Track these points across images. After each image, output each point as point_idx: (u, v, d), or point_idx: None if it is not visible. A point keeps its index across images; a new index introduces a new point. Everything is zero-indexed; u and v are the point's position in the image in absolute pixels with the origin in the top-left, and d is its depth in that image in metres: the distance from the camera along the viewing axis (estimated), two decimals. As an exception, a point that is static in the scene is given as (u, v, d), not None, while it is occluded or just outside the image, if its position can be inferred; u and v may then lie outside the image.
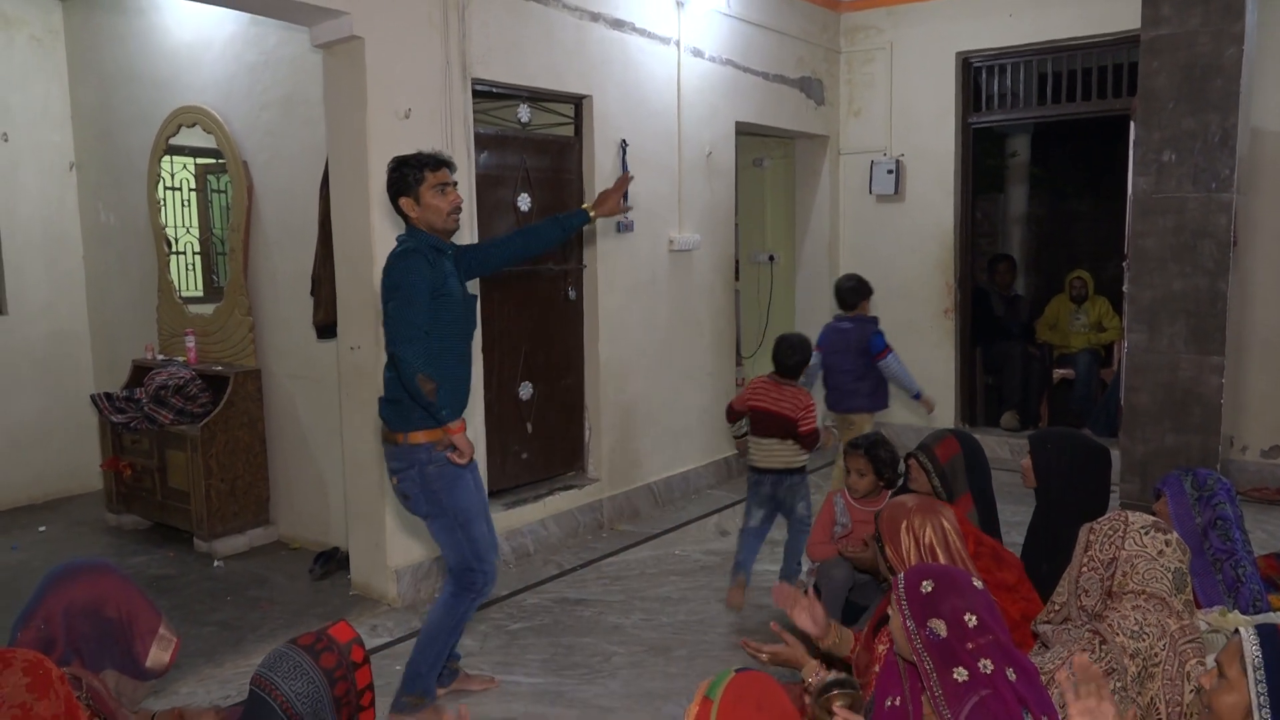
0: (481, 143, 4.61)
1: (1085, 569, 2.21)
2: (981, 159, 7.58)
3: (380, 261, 3.96)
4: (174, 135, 5.40)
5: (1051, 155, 9.00)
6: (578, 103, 5.08)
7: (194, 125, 5.25)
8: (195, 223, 5.67)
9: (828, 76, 6.98)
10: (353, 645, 1.95)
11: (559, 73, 4.83)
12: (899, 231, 6.91)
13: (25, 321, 5.99)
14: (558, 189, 5.03)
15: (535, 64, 4.71)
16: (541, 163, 4.97)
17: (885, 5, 6.84)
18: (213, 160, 5.50)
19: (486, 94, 4.72)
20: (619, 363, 5.38)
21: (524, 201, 4.86)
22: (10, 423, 5.91)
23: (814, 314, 6.93)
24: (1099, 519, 2.27)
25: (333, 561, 4.62)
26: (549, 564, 4.74)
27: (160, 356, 5.54)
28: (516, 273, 4.84)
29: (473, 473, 3.16)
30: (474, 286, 3.50)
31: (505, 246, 3.38)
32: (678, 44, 5.57)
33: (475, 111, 4.49)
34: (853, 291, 4.97)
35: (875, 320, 4.97)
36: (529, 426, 5.05)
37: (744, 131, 6.42)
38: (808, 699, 2.29)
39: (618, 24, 5.15)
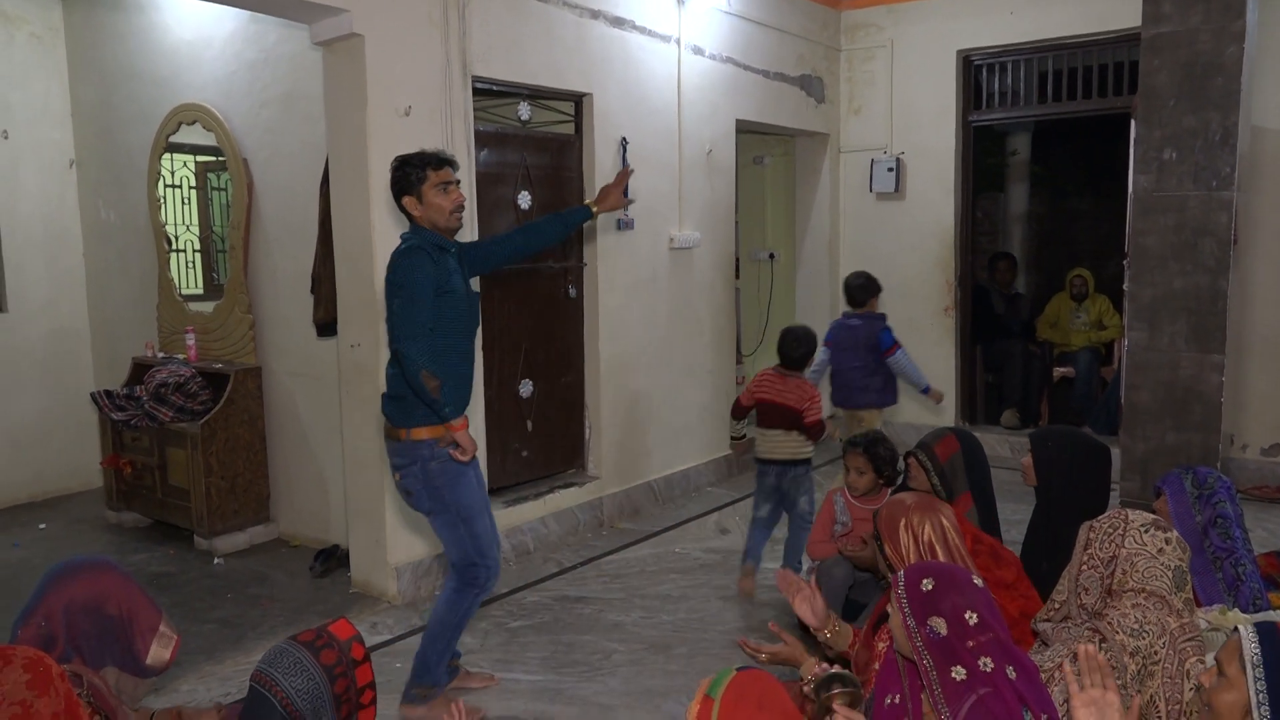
0: (482, 140, 4.61)
1: (1085, 567, 2.21)
2: (982, 157, 7.59)
3: (380, 259, 3.99)
4: (174, 133, 5.40)
5: (1052, 153, 9.00)
6: (578, 100, 5.08)
7: (194, 123, 5.25)
8: (195, 220, 5.67)
9: (828, 74, 6.97)
10: (353, 642, 1.96)
11: (559, 70, 4.83)
12: (899, 229, 6.91)
13: (25, 319, 5.99)
14: (558, 187, 5.03)
15: (535, 62, 4.70)
16: (542, 160, 4.97)
17: (886, 3, 6.83)
18: (213, 158, 5.49)
19: (487, 92, 4.72)
20: (619, 360, 5.38)
21: (524, 199, 4.86)
22: (10, 420, 5.91)
23: (814, 312, 6.93)
24: (1099, 517, 2.27)
25: (333, 559, 4.62)
26: (549, 562, 4.74)
27: (160, 354, 5.54)
28: (517, 270, 4.84)
29: (474, 469, 3.17)
30: (474, 285, 3.50)
31: (508, 243, 3.40)
32: (678, 42, 5.57)
33: (475, 109, 4.49)
34: (862, 289, 4.99)
35: (883, 317, 4.99)
36: (529, 424, 5.05)
37: (744, 129, 6.42)
38: (807, 691, 2.29)
39: (618, 22, 5.15)
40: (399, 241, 3.10)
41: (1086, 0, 6.05)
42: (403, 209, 3.11)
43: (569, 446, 5.31)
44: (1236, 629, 1.79)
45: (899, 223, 6.92)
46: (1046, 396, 7.03)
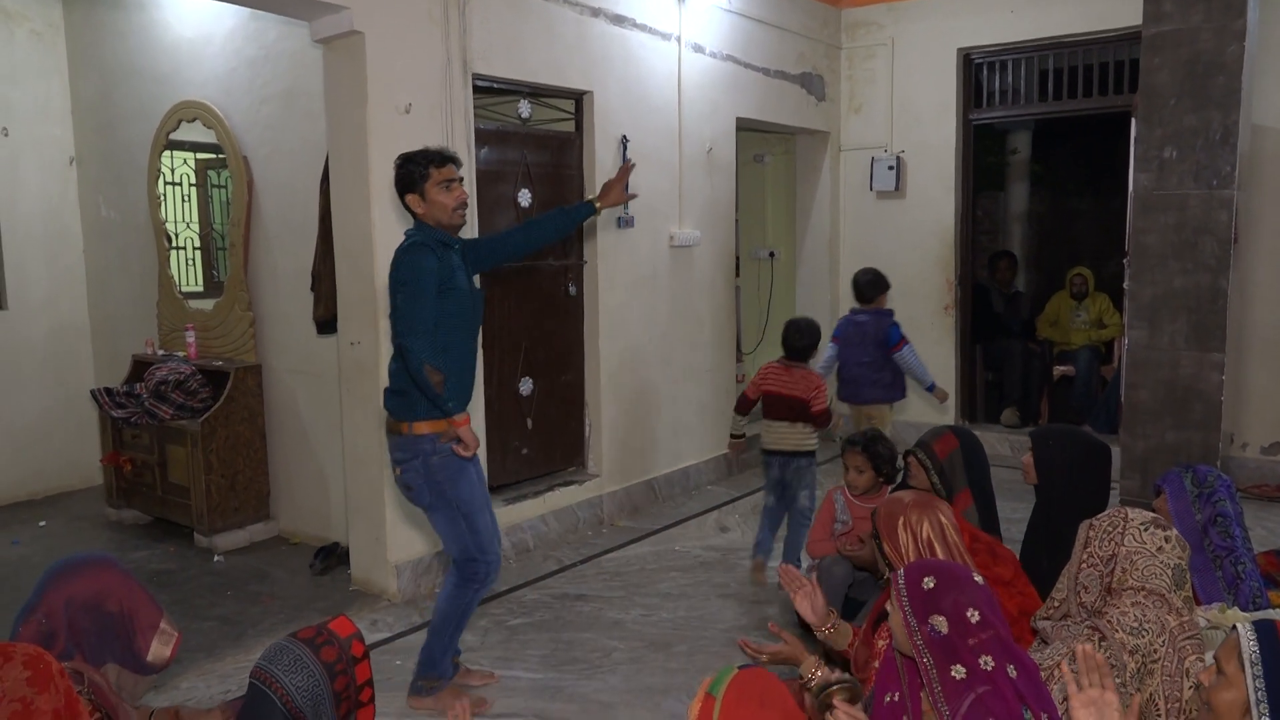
0: (482, 138, 4.61)
1: (1085, 565, 2.21)
2: (982, 156, 7.58)
3: (380, 256, 3.99)
4: (174, 130, 5.40)
5: (1052, 152, 8.99)
6: (578, 98, 5.08)
7: (194, 120, 5.25)
8: (195, 218, 5.67)
9: (829, 72, 6.97)
10: (353, 640, 1.96)
11: (560, 68, 4.83)
12: (900, 228, 6.90)
13: (26, 317, 5.99)
14: (558, 184, 5.03)
15: (536, 59, 4.70)
16: (542, 158, 4.97)
17: (886, 1, 6.83)
18: (213, 155, 5.49)
19: (487, 89, 4.72)
20: (619, 358, 5.38)
21: (524, 197, 4.86)
22: (11, 418, 5.91)
23: (814, 310, 6.91)
24: (1098, 515, 2.28)
25: (333, 556, 4.62)
26: (549, 559, 4.74)
27: (161, 351, 5.54)
28: (517, 268, 4.84)
29: (475, 465, 3.18)
30: (476, 282, 3.51)
31: (511, 239, 3.41)
32: (678, 39, 5.56)
33: (476, 107, 4.48)
34: (871, 285, 5.01)
35: (891, 313, 5.02)
36: (529, 422, 5.05)
37: (745, 127, 6.41)
38: (807, 697, 2.30)
39: (618, 19, 5.14)
40: (400, 239, 3.11)
41: (1087, -1, 6.06)
42: (406, 206, 3.11)
43: (569, 444, 5.31)
44: (1235, 627, 1.79)
45: (899, 221, 6.92)
46: (1046, 395, 7.03)
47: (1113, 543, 2.18)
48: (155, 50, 5.47)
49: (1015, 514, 4.26)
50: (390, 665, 3.53)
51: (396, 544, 4.22)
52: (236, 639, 3.84)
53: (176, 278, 5.62)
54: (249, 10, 4.69)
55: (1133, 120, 4.56)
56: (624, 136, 5.21)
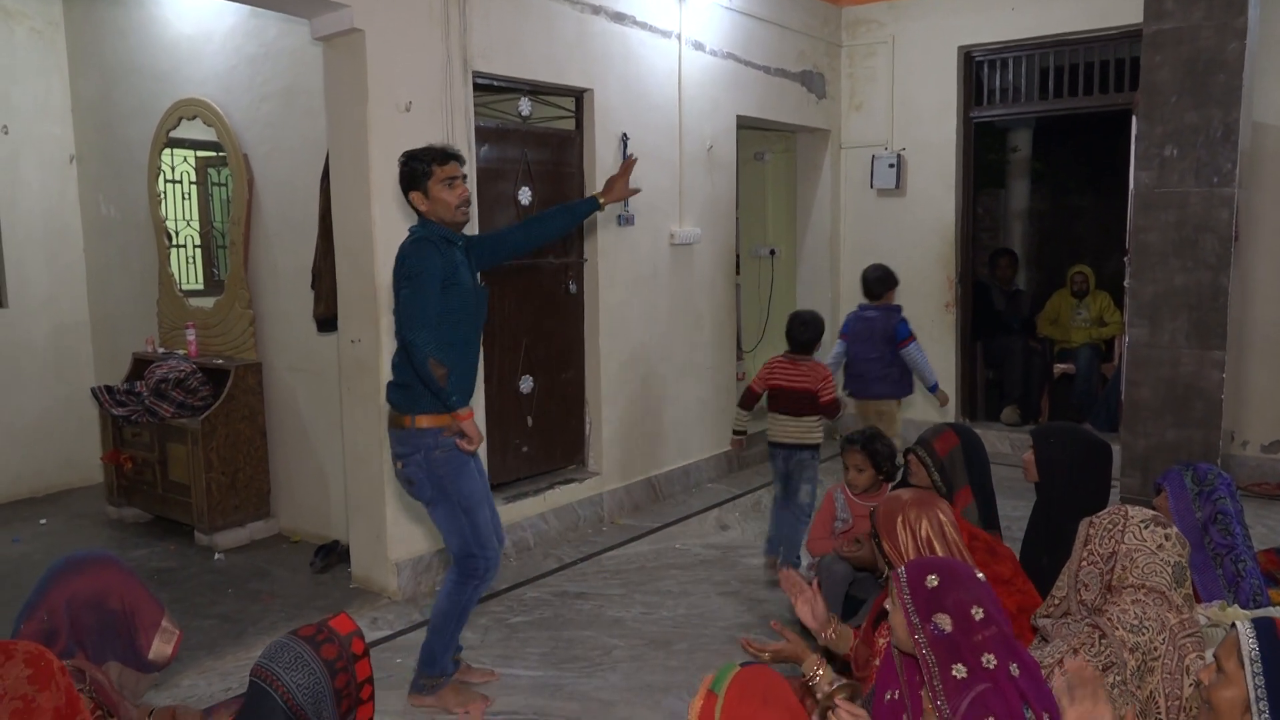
0: (482, 136, 4.61)
1: (1085, 563, 2.21)
2: (983, 154, 7.58)
3: (381, 254, 4.00)
4: (174, 128, 5.40)
5: (1053, 150, 8.99)
6: (578, 96, 5.08)
7: (194, 118, 5.25)
8: (196, 216, 5.67)
9: (829, 70, 6.97)
10: (353, 637, 1.96)
11: (560, 66, 4.82)
12: (900, 226, 6.90)
13: (26, 315, 5.99)
14: (559, 182, 5.03)
15: (536, 57, 4.70)
16: (542, 156, 4.97)
17: (887, -1, 6.83)
18: (213, 153, 5.49)
19: (487, 87, 4.71)
20: (619, 356, 5.38)
21: (525, 195, 4.86)
22: (11, 416, 5.92)
23: (815, 308, 6.88)
24: (1099, 513, 2.27)
25: (333, 554, 4.62)
26: (549, 558, 4.74)
27: (161, 350, 5.54)
28: (517, 266, 4.84)
29: (476, 461, 3.18)
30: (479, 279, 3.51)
31: (515, 236, 3.42)
32: (679, 37, 5.56)
33: (476, 104, 4.48)
34: (880, 281, 5.02)
35: (899, 309, 5.03)
36: (529, 420, 5.05)
37: (745, 125, 6.41)
38: (808, 701, 2.30)
39: (619, 17, 5.14)
40: (400, 236, 3.13)
41: (1088, -4, 6.05)
42: (410, 204, 3.13)
43: (569, 442, 5.31)
44: (1234, 625, 1.79)
45: (900, 219, 6.91)
46: (1047, 393, 7.03)
47: (1113, 540, 2.18)
48: (155, 48, 5.47)
49: (1016, 512, 4.27)
50: (391, 663, 3.53)
51: (397, 542, 4.22)
52: (237, 637, 3.84)
53: (177, 276, 5.62)
54: (249, 7, 4.68)
55: (1133, 118, 4.55)
56: (624, 134, 5.21)
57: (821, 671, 2.34)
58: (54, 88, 6.03)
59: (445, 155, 3.08)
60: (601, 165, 5.08)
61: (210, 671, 3.53)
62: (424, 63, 4.18)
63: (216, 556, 4.82)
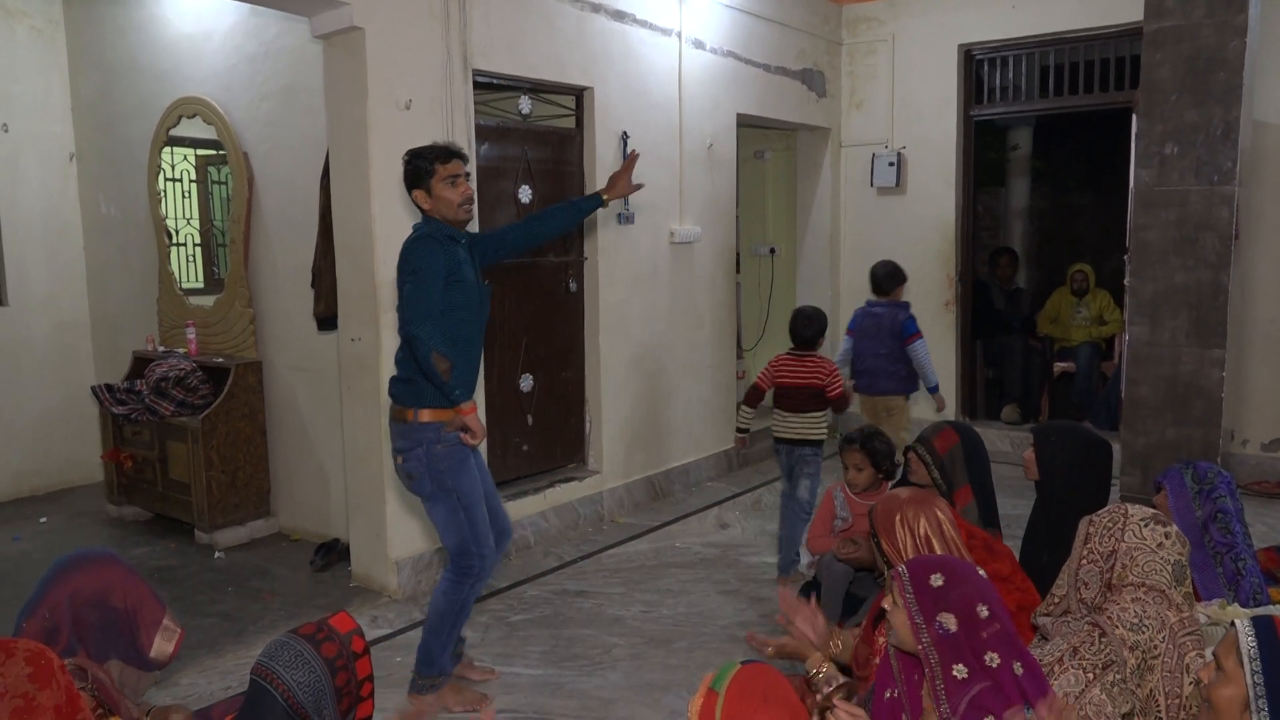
0: (482, 134, 4.61)
1: (1085, 561, 2.22)
2: (983, 152, 7.57)
3: (381, 252, 4.00)
4: (174, 126, 5.40)
5: (1053, 148, 8.98)
6: (579, 94, 5.07)
7: (194, 116, 5.25)
8: (196, 214, 5.67)
9: (829, 68, 6.96)
10: (353, 636, 1.96)
11: (560, 64, 4.82)
12: (900, 224, 6.90)
13: (26, 313, 5.99)
14: (559, 181, 5.03)
15: (536, 55, 4.69)
16: (542, 154, 4.97)
17: (887, -3, 6.83)
18: (213, 151, 5.49)
19: (487, 85, 4.71)
20: (620, 355, 5.38)
21: (525, 193, 4.86)
22: (11, 414, 5.92)
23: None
24: (1099, 512, 2.27)
25: (333, 553, 4.63)
26: (549, 556, 4.74)
27: (161, 348, 5.54)
28: (517, 264, 4.84)
29: (477, 457, 3.19)
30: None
31: (518, 232, 3.44)
32: (679, 35, 5.56)
33: (476, 103, 4.48)
34: (889, 277, 5.04)
35: (907, 305, 5.04)
36: (529, 418, 5.05)
37: (745, 123, 6.41)
38: (809, 699, 2.29)
39: (619, 15, 5.14)
40: (400, 234, 3.14)
41: (1088, -6, 6.05)
42: (414, 202, 3.13)
43: (569, 441, 5.31)
44: (1233, 623, 1.79)
45: (900, 217, 6.91)
46: (1047, 391, 7.03)
47: (1113, 539, 2.18)
48: (155, 46, 5.47)
49: (1016, 510, 4.26)
50: (390, 661, 3.54)
51: (397, 540, 4.22)
52: (237, 635, 3.85)
53: (177, 274, 5.62)
54: (249, 6, 4.68)
55: (1134, 116, 4.55)
56: (624, 132, 5.21)
57: (825, 669, 2.34)
58: (54, 86, 6.03)
59: (448, 153, 3.09)
60: (602, 163, 5.08)
61: (210, 670, 3.53)
62: (424, 61, 4.17)
63: (217, 555, 4.82)
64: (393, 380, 3.15)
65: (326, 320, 4.54)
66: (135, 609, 2.05)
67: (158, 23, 5.42)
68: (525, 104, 4.89)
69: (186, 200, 5.65)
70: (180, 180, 5.63)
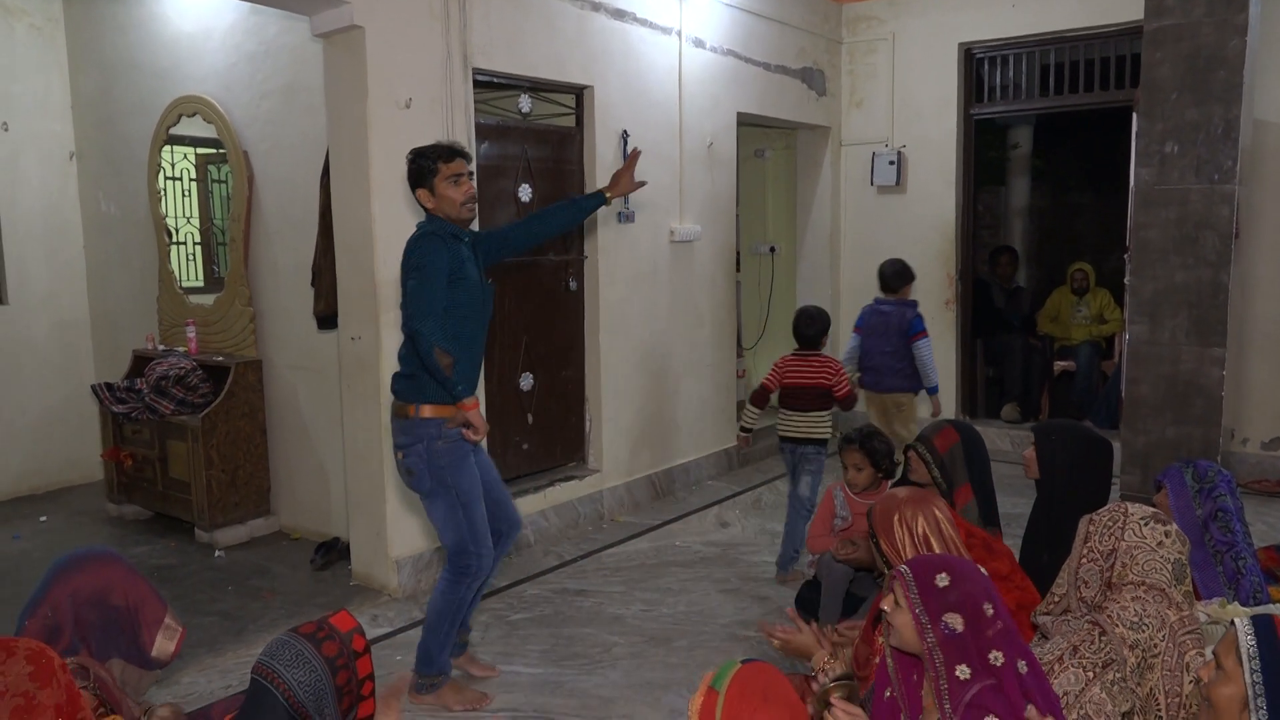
0: (482, 133, 4.61)
1: (1085, 560, 2.22)
2: (983, 151, 7.57)
3: (381, 251, 4.00)
4: (174, 125, 5.39)
5: (1053, 147, 8.98)
6: (579, 93, 5.07)
7: (194, 115, 5.24)
8: (196, 213, 5.67)
9: (829, 67, 6.96)
10: (354, 634, 1.96)
11: (560, 63, 4.82)
12: (900, 223, 6.90)
13: (26, 312, 5.99)
14: (559, 179, 5.03)
15: (536, 54, 4.69)
16: (542, 153, 4.96)
17: (887, -4, 6.83)
18: (213, 150, 5.49)
19: (487, 84, 4.71)
20: (620, 354, 5.38)
21: (525, 192, 4.86)
22: (11, 413, 5.92)
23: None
24: (1099, 510, 2.27)
25: (334, 552, 4.63)
26: (549, 555, 4.74)
27: (161, 347, 5.54)
28: (518, 263, 4.84)
29: (481, 452, 3.20)
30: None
31: (522, 230, 3.45)
32: (679, 34, 5.55)
33: (476, 101, 4.48)
34: (897, 276, 5.06)
35: (915, 304, 5.06)
36: (530, 417, 5.05)
37: (745, 122, 6.40)
38: (812, 690, 2.29)
39: (619, 14, 5.13)
40: (400, 232, 3.16)
41: (1088, -7, 6.04)
42: (417, 200, 3.15)
43: (569, 440, 5.31)
44: (1233, 622, 1.79)
45: (900, 216, 6.91)
46: (1047, 390, 7.03)
47: (1113, 538, 2.18)
48: (155, 45, 5.47)
49: (1016, 509, 4.27)
50: (391, 660, 3.54)
51: (397, 539, 4.22)
52: (237, 634, 3.85)
53: (177, 273, 5.62)
54: (249, 5, 4.68)
55: (1134, 115, 4.55)
56: (624, 131, 5.21)
57: (829, 666, 2.33)
58: (54, 84, 6.03)
59: (451, 153, 3.10)
60: (602, 162, 5.08)
61: (210, 669, 3.53)
62: (424, 59, 4.17)
63: (217, 554, 4.82)
64: (395, 376, 3.16)
65: (326, 319, 4.54)
66: (137, 608, 2.05)
67: (158, 21, 5.41)
68: (525, 103, 4.89)
69: (186, 199, 5.65)
70: (180, 179, 5.62)
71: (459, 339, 3.04)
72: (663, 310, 5.66)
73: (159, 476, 5.13)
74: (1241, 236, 4.23)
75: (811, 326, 4.38)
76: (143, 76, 5.57)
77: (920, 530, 2.39)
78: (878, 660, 2.32)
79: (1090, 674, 2.00)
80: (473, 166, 3.22)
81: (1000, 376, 7.09)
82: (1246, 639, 1.73)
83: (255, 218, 5.08)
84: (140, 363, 5.43)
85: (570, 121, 5.14)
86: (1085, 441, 3.32)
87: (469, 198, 3.11)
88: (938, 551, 2.34)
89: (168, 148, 5.53)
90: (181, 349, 5.36)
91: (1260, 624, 1.75)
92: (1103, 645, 2.04)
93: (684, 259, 5.79)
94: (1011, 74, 6.63)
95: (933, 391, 4.97)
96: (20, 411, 5.95)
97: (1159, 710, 2.02)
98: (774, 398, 4.44)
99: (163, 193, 5.56)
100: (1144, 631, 2.04)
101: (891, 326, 4.95)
